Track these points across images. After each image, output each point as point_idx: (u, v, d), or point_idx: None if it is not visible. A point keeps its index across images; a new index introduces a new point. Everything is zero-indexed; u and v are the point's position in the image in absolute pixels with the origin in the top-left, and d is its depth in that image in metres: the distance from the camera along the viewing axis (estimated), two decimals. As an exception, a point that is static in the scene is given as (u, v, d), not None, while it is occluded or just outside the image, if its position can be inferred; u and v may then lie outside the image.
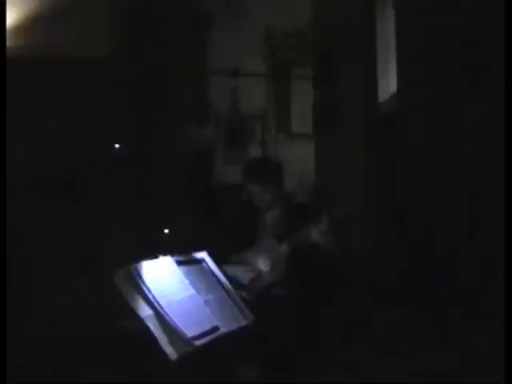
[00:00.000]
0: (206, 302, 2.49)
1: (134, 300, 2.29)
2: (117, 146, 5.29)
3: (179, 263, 2.58)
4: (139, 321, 2.25)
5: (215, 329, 2.41)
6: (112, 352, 2.82)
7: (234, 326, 2.50)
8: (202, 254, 2.75)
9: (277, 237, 2.96)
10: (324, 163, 6.70)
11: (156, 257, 2.54)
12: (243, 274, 2.91)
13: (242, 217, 3.23)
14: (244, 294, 2.84)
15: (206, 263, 2.73)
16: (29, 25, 5.05)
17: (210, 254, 2.77)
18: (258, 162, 3.29)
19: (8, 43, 4.62)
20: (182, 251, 2.69)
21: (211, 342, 2.34)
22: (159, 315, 2.29)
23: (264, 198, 3.05)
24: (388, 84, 5.81)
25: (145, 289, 2.33)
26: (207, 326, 2.39)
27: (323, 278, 2.97)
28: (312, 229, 2.79)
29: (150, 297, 2.32)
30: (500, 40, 3.08)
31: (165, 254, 2.58)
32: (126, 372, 2.64)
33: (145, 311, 2.28)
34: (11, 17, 4.93)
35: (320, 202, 6.36)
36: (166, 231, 4.98)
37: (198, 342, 2.28)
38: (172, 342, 2.23)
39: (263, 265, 2.95)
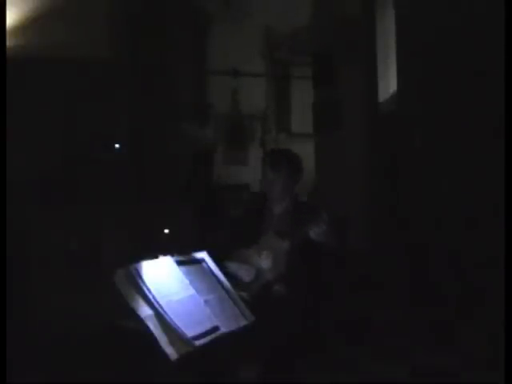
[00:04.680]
0: (206, 301, 2.49)
1: (133, 300, 2.29)
2: (117, 145, 5.29)
3: (179, 263, 2.58)
4: (139, 321, 2.25)
5: (215, 329, 2.41)
6: (112, 352, 2.82)
7: (233, 326, 2.50)
8: (202, 254, 2.75)
9: (280, 233, 2.97)
10: (324, 163, 6.70)
11: (156, 257, 2.53)
12: (244, 273, 2.91)
13: (245, 214, 3.25)
14: (244, 293, 2.84)
15: (206, 263, 2.72)
16: (29, 25, 5.05)
17: (210, 254, 2.77)
18: (284, 152, 3.33)
19: (8, 43, 4.62)
20: (181, 251, 2.69)
21: (211, 341, 2.34)
22: (159, 315, 2.29)
23: (280, 188, 3.07)
24: (388, 84, 5.81)
25: (145, 289, 2.33)
26: (207, 326, 2.39)
27: (324, 278, 2.97)
28: (314, 227, 2.79)
29: (150, 297, 2.32)
30: (500, 40, 3.08)
31: (165, 254, 2.58)
32: (126, 372, 2.64)
33: (145, 311, 2.28)
34: (11, 17, 4.92)
35: (320, 202, 6.35)
36: (166, 231, 4.98)
37: (198, 342, 2.28)
38: (172, 342, 2.23)
39: (265, 262, 2.95)
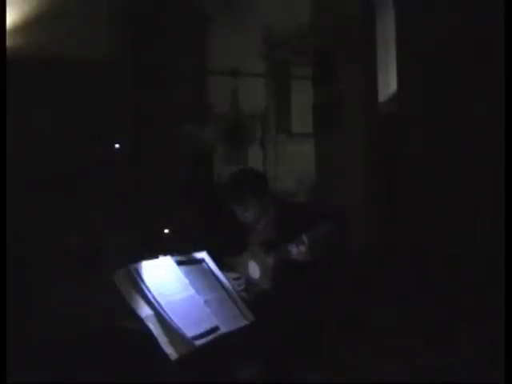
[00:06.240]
0: (206, 302, 2.49)
1: (133, 300, 2.29)
2: (117, 145, 5.29)
3: (179, 263, 2.58)
4: (139, 321, 2.25)
5: (215, 329, 2.40)
6: (112, 352, 2.82)
7: (233, 326, 2.49)
8: (202, 254, 2.74)
9: (264, 245, 2.91)
10: (324, 163, 6.69)
11: (156, 257, 2.53)
12: (235, 283, 2.88)
13: (234, 221, 3.13)
14: (244, 294, 2.83)
15: (206, 263, 2.72)
16: (29, 25, 5.05)
17: (210, 254, 2.76)
18: (240, 179, 3.02)
19: (8, 43, 4.62)
20: (181, 251, 2.69)
21: (211, 341, 2.34)
22: (159, 315, 2.28)
23: (246, 217, 2.93)
24: (388, 84, 5.82)
25: (145, 289, 2.33)
26: (207, 326, 2.39)
27: (321, 280, 2.95)
28: (293, 249, 2.71)
29: (150, 297, 2.31)
30: (500, 39, 3.08)
31: (165, 254, 2.58)
32: (126, 372, 2.64)
33: (145, 311, 2.28)
34: (11, 17, 4.93)
35: (320, 202, 6.36)
36: (166, 231, 4.98)
37: (198, 342, 2.28)
38: (172, 342, 2.23)
39: (253, 272, 2.92)
